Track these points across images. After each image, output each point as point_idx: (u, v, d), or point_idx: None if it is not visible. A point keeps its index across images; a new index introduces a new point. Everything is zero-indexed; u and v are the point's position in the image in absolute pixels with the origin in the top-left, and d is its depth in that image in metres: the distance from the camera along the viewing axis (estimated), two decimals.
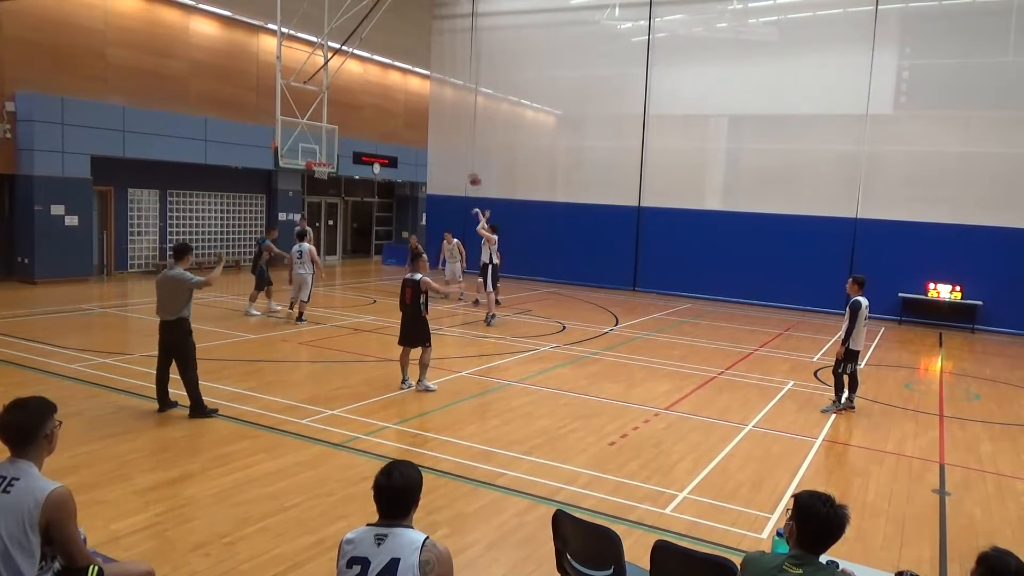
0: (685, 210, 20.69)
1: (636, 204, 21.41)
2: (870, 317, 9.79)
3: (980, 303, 17.37)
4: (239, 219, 23.65)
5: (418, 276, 9.48)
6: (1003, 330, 17.08)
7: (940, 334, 16.92)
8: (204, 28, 21.83)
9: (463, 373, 10.76)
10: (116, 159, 18.97)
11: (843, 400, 9.73)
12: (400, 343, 9.79)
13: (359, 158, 25.37)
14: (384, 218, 30.45)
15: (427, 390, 9.62)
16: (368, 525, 3.14)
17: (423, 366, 9.63)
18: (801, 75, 19.13)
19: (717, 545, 5.50)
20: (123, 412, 8.17)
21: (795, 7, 20.08)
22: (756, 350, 13.79)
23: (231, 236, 23.41)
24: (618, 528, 4.26)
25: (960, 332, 17.26)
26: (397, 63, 28.78)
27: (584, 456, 7.50)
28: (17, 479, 3.31)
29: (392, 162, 26.96)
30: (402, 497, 3.13)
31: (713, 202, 20.95)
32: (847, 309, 9.59)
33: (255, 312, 14.96)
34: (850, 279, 9.89)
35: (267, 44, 22.74)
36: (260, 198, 24.13)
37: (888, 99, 18.83)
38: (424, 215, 27.72)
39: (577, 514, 4.29)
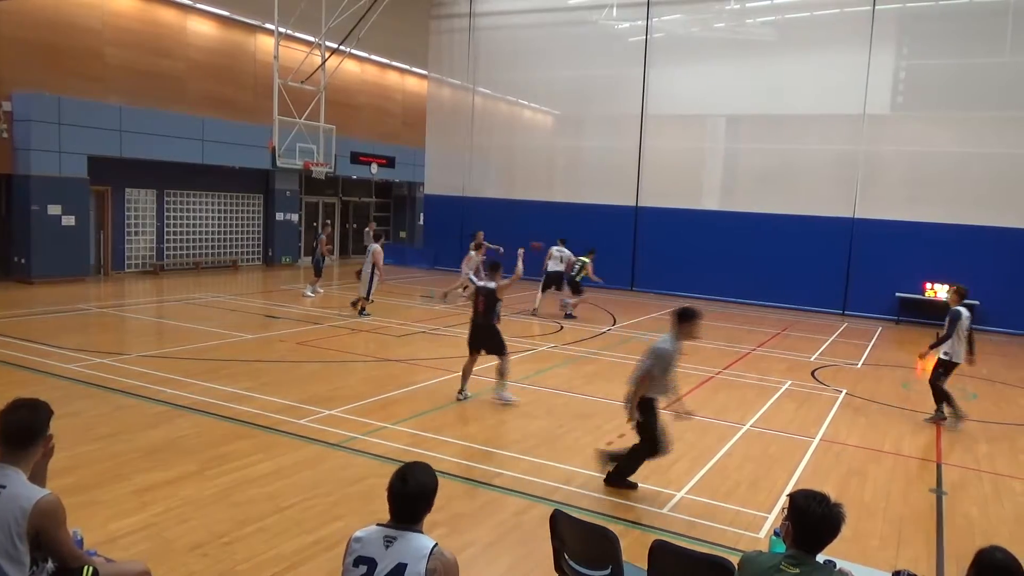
0: (683, 210, 20.71)
1: (634, 204, 21.43)
2: (876, 316, 9.77)
3: (977, 303, 17.34)
4: (237, 219, 23.63)
5: (493, 285, 9.27)
6: (1000, 330, 17.10)
7: (937, 333, 16.87)
8: (201, 28, 21.82)
9: (458, 373, 10.73)
10: (113, 159, 18.94)
11: (945, 411, 9.32)
12: (471, 349, 9.43)
13: (356, 158, 25.36)
14: (382, 218, 30.45)
15: (506, 402, 9.18)
16: (379, 525, 3.13)
17: (501, 375, 9.24)
18: (798, 75, 19.17)
19: (715, 545, 5.51)
20: (120, 412, 8.16)
21: (792, 7, 20.11)
22: (753, 350, 13.80)
23: (228, 236, 23.38)
24: (615, 528, 4.27)
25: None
26: (395, 63, 28.78)
27: (582, 456, 7.50)
28: (3, 487, 3.22)
29: (390, 162, 26.96)
30: (416, 502, 3.12)
31: (711, 202, 20.98)
32: (946, 320, 9.30)
33: (310, 294, 17.59)
34: (951, 289, 9.64)
35: (265, 44, 22.73)
36: (258, 198, 24.11)
37: (885, 99, 18.88)
38: (422, 215, 27.73)
39: (575, 514, 4.29)
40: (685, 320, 6.51)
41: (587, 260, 16.51)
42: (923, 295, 17.88)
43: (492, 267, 9.53)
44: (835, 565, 3.50)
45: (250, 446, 7.26)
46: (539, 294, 16.64)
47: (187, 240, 22.11)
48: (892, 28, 18.74)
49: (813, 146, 19.31)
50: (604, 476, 6.71)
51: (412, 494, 3.10)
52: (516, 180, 23.33)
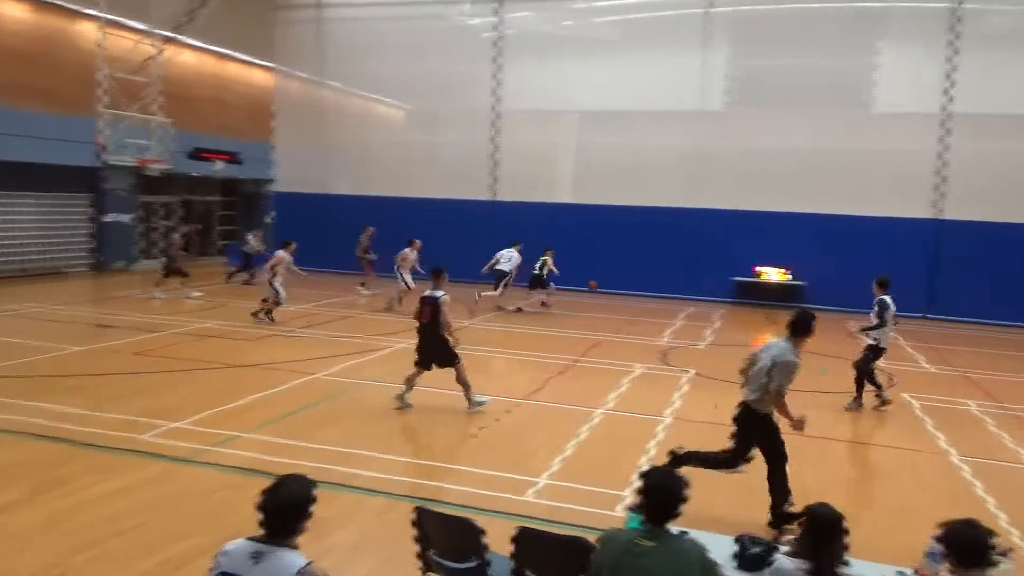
0: (538, 203, 21.14)
1: (491, 198, 21.63)
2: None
3: (807, 284, 19.01)
4: (61, 222, 21.57)
5: (439, 294, 8.83)
6: (826, 307, 18.72)
7: (771, 313, 18.32)
8: (12, 12, 19.72)
9: (318, 375, 10.42)
10: None
11: (879, 395, 9.76)
12: (418, 365, 8.89)
13: (198, 154, 23.94)
14: (227, 217, 28.91)
15: (478, 406, 8.78)
16: (249, 539, 2.94)
17: (463, 384, 8.79)
18: (643, 73, 20.08)
19: (577, 526, 5.65)
20: None
21: (634, 8, 21.03)
22: (608, 336, 14.33)
23: (52, 241, 21.30)
24: (482, 519, 4.27)
25: (788, 310, 18.68)
26: (237, 54, 27.38)
27: (445, 451, 7.48)
28: None
29: (235, 158, 25.66)
30: (286, 515, 2.95)
31: (565, 195, 21.56)
32: (875, 308, 9.76)
33: (193, 295, 16.88)
34: (875, 280, 10.09)
35: (87, 31, 20.88)
36: (85, 198, 22.13)
37: (721, 97, 20.18)
38: (272, 213, 26.59)
39: (440, 509, 4.26)
40: (806, 326, 6.08)
41: (547, 258, 16.94)
42: (756, 278, 19.31)
43: (436, 274, 9.10)
44: (686, 534, 3.69)
45: (86, 467, 6.67)
46: (498, 291, 16.52)
47: (4, 247, 19.96)
48: (726, 30, 20.03)
49: (659, 141, 20.28)
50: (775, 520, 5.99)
51: (282, 506, 2.95)
52: (371, 176, 22.89)
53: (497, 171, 21.61)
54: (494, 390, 9.90)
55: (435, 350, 8.80)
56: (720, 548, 3.96)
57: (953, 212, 18.18)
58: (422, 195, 22.02)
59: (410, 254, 16.62)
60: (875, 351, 9.84)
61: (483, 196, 21.66)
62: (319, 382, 10.08)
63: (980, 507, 6.68)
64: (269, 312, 14.26)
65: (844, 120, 19.03)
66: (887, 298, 9.75)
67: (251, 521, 3.01)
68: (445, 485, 6.59)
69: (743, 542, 3.99)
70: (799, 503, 6.26)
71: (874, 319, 9.75)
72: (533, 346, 13.11)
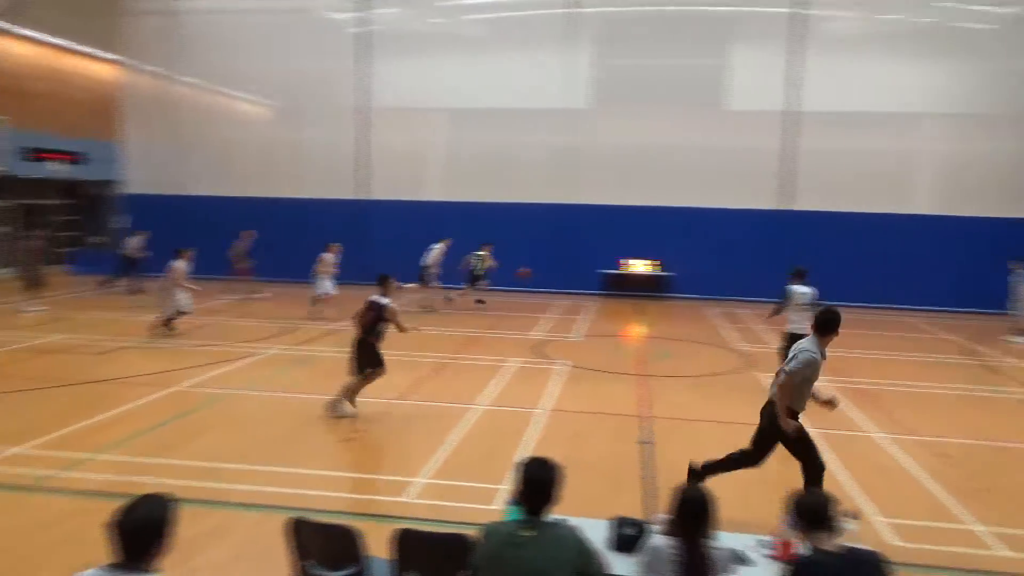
0: (409, 202, 20.94)
1: (360, 197, 21.21)
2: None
3: (673, 274, 19.93)
4: None
5: (385, 300, 8.55)
6: (690, 296, 19.72)
7: (637, 303, 19.06)
8: None
9: (181, 386, 9.84)
10: None
11: None
12: (355, 371, 8.71)
13: (35, 154, 21.98)
14: (71, 222, 26.69)
15: (341, 414, 8.57)
16: (102, 568, 2.70)
17: (353, 388, 8.64)
18: (512, 71, 20.29)
19: (458, 523, 5.63)
20: None
21: (501, 6, 21.21)
22: (484, 333, 14.41)
23: None
24: (360, 524, 4.17)
25: (655, 300, 19.58)
26: (77, 46, 25.31)
27: (320, 458, 7.27)
28: None
29: (77, 158, 23.74)
30: (140, 538, 2.74)
31: (436, 193, 21.47)
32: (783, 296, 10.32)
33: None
34: (790, 272, 10.53)
35: None
36: None
37: (586, 95, 20.72)
38: (126, 216, 24.81)
39: (315, 518, 4.13)
40: (832, 325, 5.92)
41: (483, 254, 17.15)
42: (622, 270, 20.04)
43: (383, 280, 8.83)
44: (564, 521, 3.75)
45: None
46: (418, 286, 16.78)
47: None
48: (590, 30, 20.58)
49: (530, 138, 20.59)
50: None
51: (136, 528, 2.74)
52: (233, 176, 21.83)
53: (367, 170, 21.21)
54: (369, 392, 9.72)
55: (366, 356, 8.63)
56: (597, 531, 4.07)
57: (801, 203, 19.61)
58: (289, 195, 21.27)
59: (329, 258, 16.04)
60: (791, 337, 10.35)
61: (353, 195, 21.21)
62: (182, 394, 9.52)
63: (831, 475, 7.23)
64: (168, 323, 13.39)
65: (702, 118, 20.05)
66: (789, 286, 10.31)
67: (106, 548, 2.78)
68: (321, 493, 6.39)
69: (617, 524, 4.11)
70: (669, 482, 6.54)
71: (778, 306, 10.44)
72: (407, 346, 12.94)
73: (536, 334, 14.41)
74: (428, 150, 21.91)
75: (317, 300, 15.53)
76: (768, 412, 5.98)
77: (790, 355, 5.87)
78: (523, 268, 17.57)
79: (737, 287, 19.59)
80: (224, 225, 19.12)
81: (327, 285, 15.67)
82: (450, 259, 17.52)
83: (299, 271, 20.86)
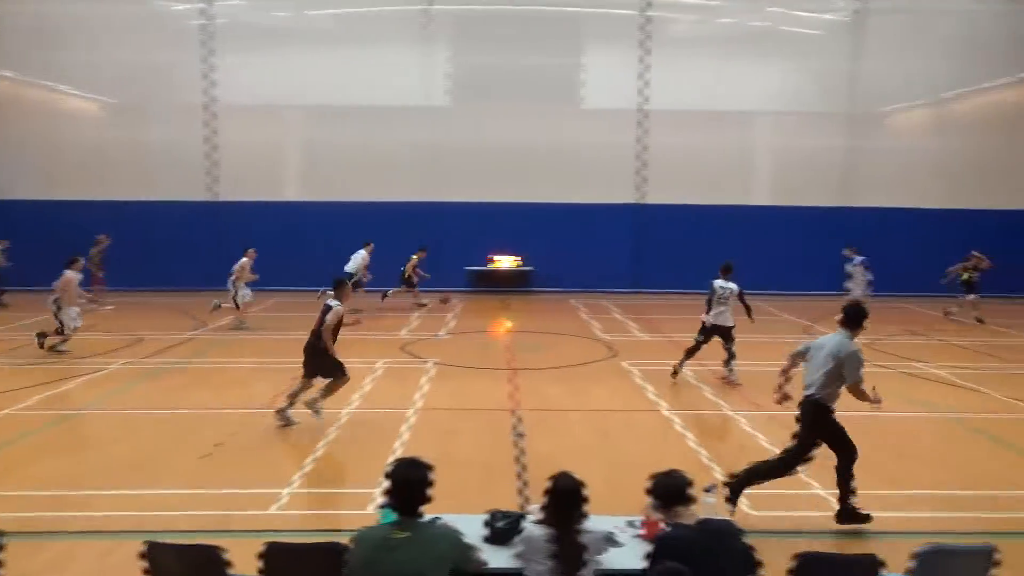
0: (265, 202, 20.11)
1: (212, 199, 20.13)
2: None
3: (535, 269, 20.29)
4: None
5: (333, 304, 8.24)
6: (553, 290, 20.16)
7: (503, 299, 19.29)
8: None
9: (12, 410, 8.93)
10: None
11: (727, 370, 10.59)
12: (303, 376, 8.39)
13: None
14: None
15: (320, 417, 8.30)
16: None
17: (325, 393, 8.40)
18: (368, 68, 19.89)
19: (331, 532, 5.46)
20: None
21: (351, 2, 20.71)
22: (351, 335, 14.03)
23: None
24: (224, 542, 3.93)
25: (520, 295, 19.88)
26: None
27: (177, 475, 6.82)
28: None
29: None
30: None
31: (294, 193, 20.74)
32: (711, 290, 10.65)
33: None
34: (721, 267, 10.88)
35: None
36: None
37: (446, 92, 20.70)
38: None
39: (174, 540, 3.86)
40: (860, 319, 5.89)
41: (413, 258, 17.20)
42: (489, 267, 20.21)
43: (339, 284, 8.62)
44: (439, 520, 3.72)
45: None
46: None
47: None
48: (446, 27, 20.53)
49: (388, 136, 20.25)
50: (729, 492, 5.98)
51: None
52: (62, 178, 20.03)
53: (216, 169, 20.15)
54: (229, 403, 9.26)
55: (317, 360, 8.34)
56: (472, 527, 4.06)
57: (654, 197, 20.53)
58: (130, 197, 19.81)
59: (247, 264, 15.01)
60: (713, 329, 10.68)
61: (201, 196, 20.08)
62: (15, 418, 8.63)
63: (689, 452, 7.62)
64: (46, 335, 12.09)
65: (559, 115, 20.52)
66: (718, 281, 10.73)
67: None
68: (180, 513, 5.99)
69: (492, 518, 4.12)
70: (541, 472, 6.65)
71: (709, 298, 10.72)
72: (273, 352, 12.46)
73: (405, 334, 14.25)
74: (283, 148, 21.11)
75: (246, 307, 14.95)
76: (812, 413, 5.83)
77: (833, 358, 5.74)
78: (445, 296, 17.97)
79: (598, 279, 20.27)
80: (51, 231, 17.60)
81: (246, 292, 14.90)
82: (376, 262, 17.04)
83: (147, 279, 19.59)
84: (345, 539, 3.58)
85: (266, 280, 19.41)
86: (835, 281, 17.50)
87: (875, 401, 5.75)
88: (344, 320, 8.50)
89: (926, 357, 12.47)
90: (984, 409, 9.33)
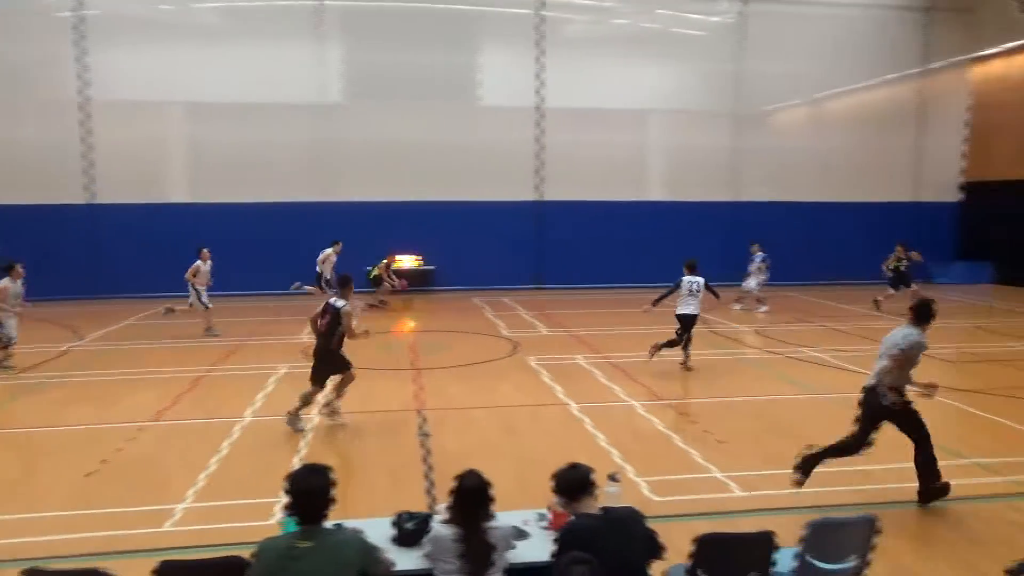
0: (149, 204, 19.11)
1: (90, 201, 18.94)
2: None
3: (436, 267, 20.18)
4: None
5: (341, 304, 8.07)
6: (455, 288, 20.12)
7: (406, 298, 19.07)
8: None
9: None
10: None
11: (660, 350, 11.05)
12: (313, 382, 8.24)
13: None
14: None
15: (334, 415, 8.29)
16: None
17: (337, 390, 8.33)
18: (257, 64, 19.21)
19: (232, 545, 5.23)
20: None
21: None
22: (246, 340, 13.58)
23: None
24: (112, 565, 3.70)
25: (422, 294, 19.73)
26: None
27: (56, 496, 6.38)
28: None
29: None
30: None
31: (180, 194, 19.78)
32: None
33: None
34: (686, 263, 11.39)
35: None
36: None
37: (341, 90, 20.26)
38: None
39: (56, 566, 3.61)
40: (929, 314, 6.09)
41: (386, 261, 17.47)
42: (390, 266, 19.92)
43: (343, 282, 8.46)
44: (343, 526, 3.64)
45: None
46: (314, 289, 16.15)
47: None
48: (338, 23, 20.05)
49: (281, 134, 19.61)
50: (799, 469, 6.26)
51: None
52: None
53: (93, 170, 18.97)
54: (112, 417, 8.75)
55: (329, 364, 8.22)
56: (380, 530, 4.00)
57: (552, 194, 20.83)
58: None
59: (202, 267, 14.05)
60: (682, 319, 11.02)
61: (78, 199, 18.86)
62: None
63: (593, 443, 7.78)
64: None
65: (457, 113, 20.50)
66: (684, 277, 11.13)
67: None
68: (62, 536, 5.61)
69: (399, 520, 4.07)
70: (448, 471, 6.62)
71: (665, 292, 11.17)
72: (157, 362, 11.85)
73: (304, 338, 13.84)
74: (168, 148, 20.04)
75: (208, 314, 14.17)
76: (873, 401, 6.10)
77: (896, 347, 6.00)
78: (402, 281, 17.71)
79: (500, 277, 20.38)
80: None
81: (203, 298, 14.06)
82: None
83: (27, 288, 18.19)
84: (246, 552, 3.45)
85: (150, 287, 18.52)
86: (728, 273, 18.24)
87: (930, 390, 6.08)
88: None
89: (810, 342, 13.22)
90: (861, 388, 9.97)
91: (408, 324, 16.17)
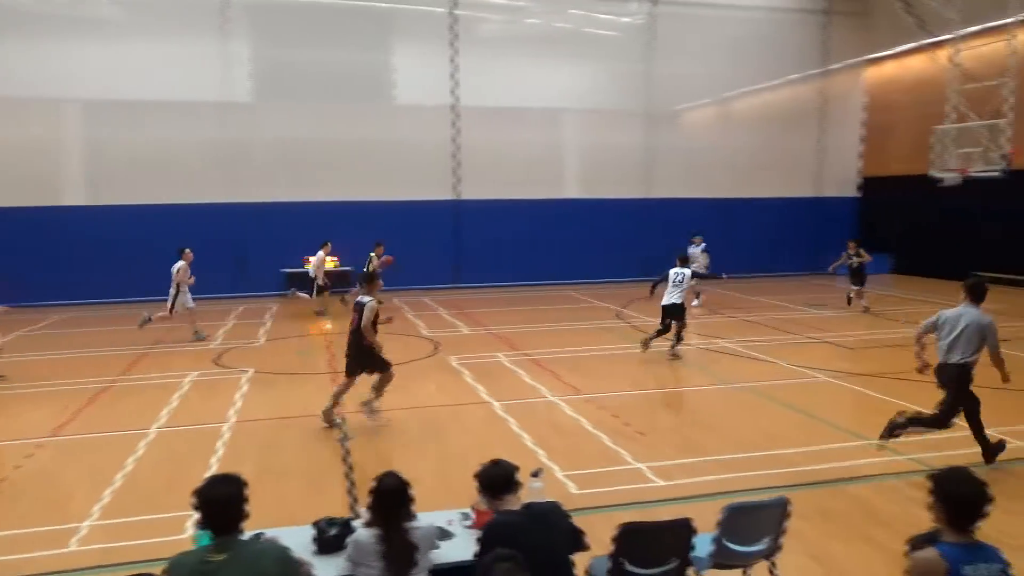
0: (42, 208, 18.02)
1: None
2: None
3: (353, 268, 19.79)
4: None
5: (366, 299, 8.22)
6: (407, 287, 19.69)
7: (320, 300, 18.63)
8: None
9: None
10: None
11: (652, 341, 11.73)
12: (347, 374, 8.36)
13: None
14: None
15: (376, 418, 8.35)
16: None
17: (378, 390, 8.40)
18: (159, 60, 18.37)
19: (141, 563, 5.01)
20: None
21: None
22: (153, 348, 13.00)
23: None
24: None
25: (338, 296, 19.30)
26: None
27: None
28: None
29: None
30: None
31: (77, 197, 18.72)
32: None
33: None
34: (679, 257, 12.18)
35: None
36: None
37: (249, 88, 19.61)
38: None
39: None
40: (983, 292, 6.56)
41: (373, 254, 16.75)
42: (304, 268, 19.41)
43: (367, 279, 8.67)
44: (261, 536, 3.53)
45: None
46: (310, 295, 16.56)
47: None
48: (245, 20, 19.37)
49: (185, 133, 18.84)
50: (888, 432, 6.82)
51: None
52: None
53: None
54: (5, 434, 8.22)
55: (362, 357, 8.28)
56: (300, 538, 3.90)
57: (470, 192, 20.79)
58: None
59: (184, 267, 13.23)
60: (668, 308, 11.54)
61: None
62: None
63: (515, 440, 7.81)
64: None
65: (372, 112, 20.22)
66: (675, 270, 11.67)
67: None
68: None
69: (319, 527, 3.98)
70: (370, 475, 6.51)
71: (655, 283, 12.20)
72: (52, 374, 11.21)
73: (215, 344, 13.38)
74: (61, 148, 18.89)
75: (192, 317, 13.60)
76: (961, 377, 6.45)
77: (976, 328, 6.38)
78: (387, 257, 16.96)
79: (419, 276, 20.19)
80: None
81: (188, 299, 13.41)
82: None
83: None
84: (157, 569, 3.29)
85: (40, 296, 17.50)
86: (643, 268, 18.66)
87: (1005, 376, 6.60)
88: (379, 318, 8.41)
89: (723, 334, 13.66)
90: (772, 377, 10.39)
91: (324, 327, 15.82)
